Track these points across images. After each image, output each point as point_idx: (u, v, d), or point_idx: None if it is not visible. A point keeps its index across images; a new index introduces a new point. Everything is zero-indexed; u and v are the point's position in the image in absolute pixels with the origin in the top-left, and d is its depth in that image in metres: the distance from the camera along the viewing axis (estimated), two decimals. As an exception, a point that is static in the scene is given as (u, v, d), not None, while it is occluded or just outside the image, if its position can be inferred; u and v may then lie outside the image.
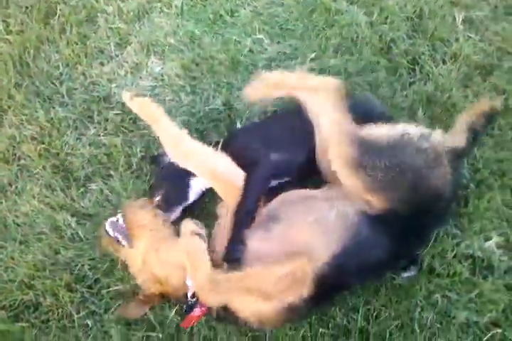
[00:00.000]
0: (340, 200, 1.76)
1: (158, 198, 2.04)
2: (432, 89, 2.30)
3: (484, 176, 2.11)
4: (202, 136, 2.30)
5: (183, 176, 2.08)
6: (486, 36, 2.42)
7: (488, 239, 1.99)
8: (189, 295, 1.78)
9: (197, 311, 1.75)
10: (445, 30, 2.43)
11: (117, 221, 1.85)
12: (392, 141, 1.71)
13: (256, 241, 1.75)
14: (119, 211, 1.93)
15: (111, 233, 1.84)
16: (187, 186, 2.10)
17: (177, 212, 2.09)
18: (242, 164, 1.99)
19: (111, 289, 2.01)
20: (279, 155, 2.00)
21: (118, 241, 1.84)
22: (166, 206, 2.05)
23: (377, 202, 1.70)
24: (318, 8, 2.52)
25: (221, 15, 2.58)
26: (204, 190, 2.14)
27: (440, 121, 2.23)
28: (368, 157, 1.69)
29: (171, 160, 2.00)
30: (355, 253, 1.66)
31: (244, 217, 1.86)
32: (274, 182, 2.03)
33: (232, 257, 1.77)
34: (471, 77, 2.34)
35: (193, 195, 2.13)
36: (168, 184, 2.11)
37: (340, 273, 1.66)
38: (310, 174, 2.10)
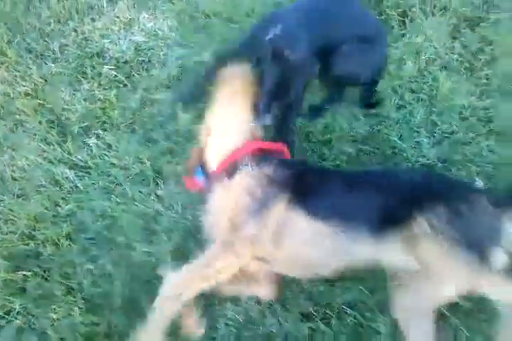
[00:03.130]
0: None
1: None
2: (422, 40, 2.34)
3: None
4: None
5: None
6: (473, -11, 2.45)
7: None
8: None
9: (202, 181, 1.82)
10: (434, -17, 2.47)
11: None
12: None
13: None
14: None
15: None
16: None
17: None
18: None
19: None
20: None
21: None
22: None
23: None
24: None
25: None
26: None
27: (428, 73, 2.28)
28: None
29: None
30: None
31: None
32: None
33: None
34: (459, 28, 2.39)
35: None
36: None
37: None
38: None
